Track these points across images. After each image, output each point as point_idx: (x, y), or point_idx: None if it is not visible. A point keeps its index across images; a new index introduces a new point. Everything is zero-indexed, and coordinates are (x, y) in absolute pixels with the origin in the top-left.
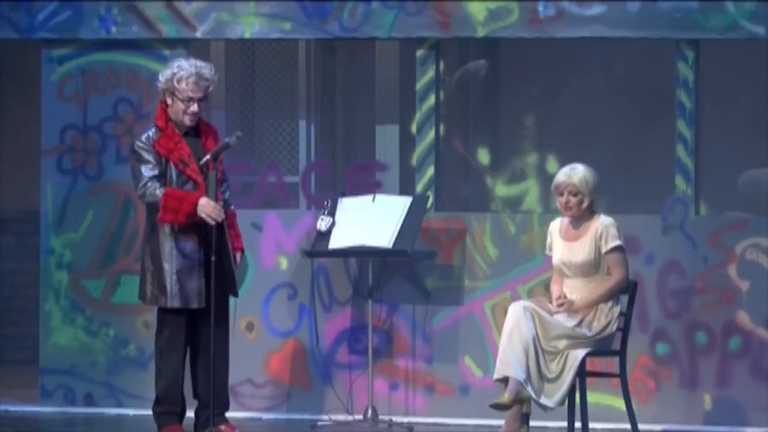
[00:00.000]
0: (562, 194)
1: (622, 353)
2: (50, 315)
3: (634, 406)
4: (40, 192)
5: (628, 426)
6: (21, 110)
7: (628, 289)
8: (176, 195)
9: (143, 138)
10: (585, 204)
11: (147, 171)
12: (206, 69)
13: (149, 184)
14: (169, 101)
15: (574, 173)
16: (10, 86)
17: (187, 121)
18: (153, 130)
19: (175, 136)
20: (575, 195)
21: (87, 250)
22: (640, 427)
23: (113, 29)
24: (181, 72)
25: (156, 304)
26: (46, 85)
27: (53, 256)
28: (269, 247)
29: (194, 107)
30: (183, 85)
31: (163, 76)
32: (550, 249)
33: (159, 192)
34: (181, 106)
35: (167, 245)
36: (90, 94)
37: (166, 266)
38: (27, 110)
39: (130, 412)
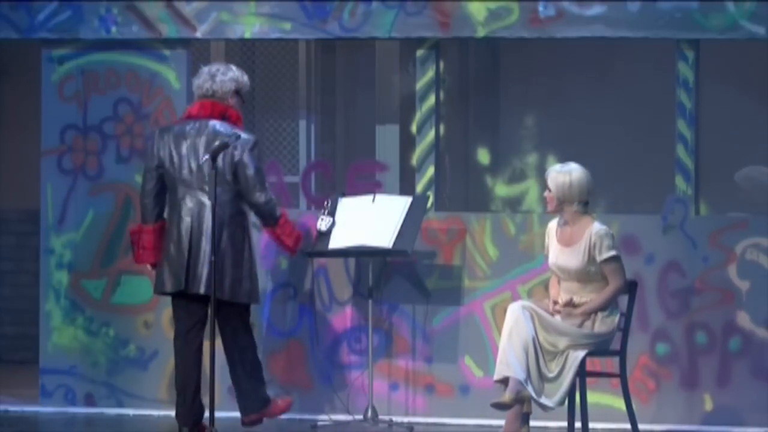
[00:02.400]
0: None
1: (622, 353)
2: (50, 315)
3: (634, 406)
4: (40, 192)
5: (628, 426)
6: (21, 110)
7: (627, 289)
8: (290, 223)
9: (255, 140)
10: (556, 203)
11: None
12: None
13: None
14: (240, 102)
15: (552, 169)
16: (10, 86)
17: None
18: (241, 131)
19: None
20: (549, 191)
21: (87, 250)
22: (640, 427)
23: (113, 29)
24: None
25: (256, 302)
26: (46, 85)
27: (53, 256)
28: (269, 247)
29: None
30: None
31: (237, 78)
32: (548, 250)
33: (278, 211)
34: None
35: (249, 241)
36: (90, 94)
37: (255, 262)
38: (27, 110)
39: (130, 412)
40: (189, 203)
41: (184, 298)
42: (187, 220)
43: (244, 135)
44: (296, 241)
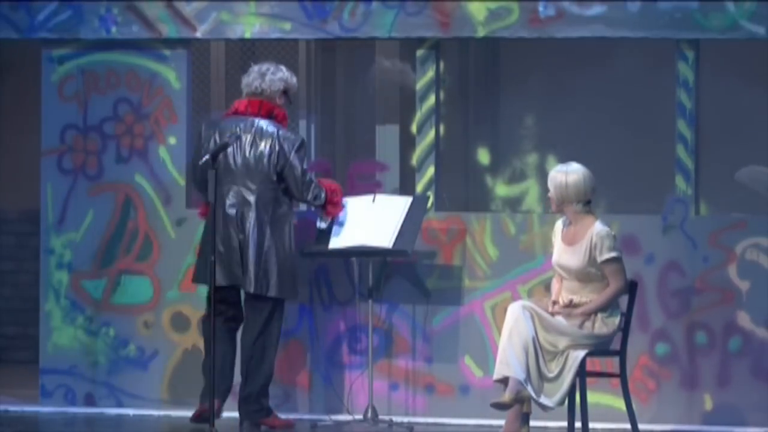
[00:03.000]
0: None
1: (622, 353)
2: (50, 315)
3: (634, 406)
4: (40, 192)
5: (628, 426)
6: (21, 110)
7: (627, 290)
8: (332, 187)
9: (302, 140)
10: (556, 203)
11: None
12: None
13: (316, 183)
14: (287, 102)
15: (552, 170)
16: (10, 86)
17: None
18: (286, 130)
19: None
20: (549, 191)
21: (87, 250)
22: (640, 427)
23: (113, 29)
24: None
25: (294, 297)
26: (46, 85)
27: (53, 256)
28: None
29: None
30: None
31: (286, 78)
32: (554, 248)
33: (323, 195)
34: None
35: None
36: (90, 94)
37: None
38: (27, 110)
39: (130, 412)
40: (232, 198)
41: (222, 292)
42: (231, 214)
43: (291, 135)
44: (340, 201)
